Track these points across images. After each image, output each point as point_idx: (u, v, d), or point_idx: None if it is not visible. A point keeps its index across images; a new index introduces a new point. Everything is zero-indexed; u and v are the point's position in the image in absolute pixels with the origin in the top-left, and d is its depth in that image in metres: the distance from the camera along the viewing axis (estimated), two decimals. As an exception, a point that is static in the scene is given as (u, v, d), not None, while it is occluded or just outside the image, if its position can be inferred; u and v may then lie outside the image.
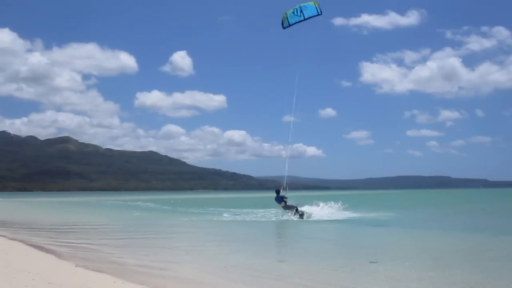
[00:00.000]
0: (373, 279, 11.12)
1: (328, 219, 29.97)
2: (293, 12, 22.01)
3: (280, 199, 32.14)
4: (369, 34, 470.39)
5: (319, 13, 22.27)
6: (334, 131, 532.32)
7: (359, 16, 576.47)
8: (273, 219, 31.14)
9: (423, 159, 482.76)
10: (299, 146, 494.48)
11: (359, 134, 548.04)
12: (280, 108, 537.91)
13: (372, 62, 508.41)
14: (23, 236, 20.69)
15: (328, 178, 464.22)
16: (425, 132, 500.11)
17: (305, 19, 22.38)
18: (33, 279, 10.34)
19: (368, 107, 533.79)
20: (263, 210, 38.61)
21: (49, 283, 10.11)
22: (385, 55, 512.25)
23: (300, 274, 11.79)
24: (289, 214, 30.80)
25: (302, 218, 29.99)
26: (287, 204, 31.83)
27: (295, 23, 22.24)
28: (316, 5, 22.68)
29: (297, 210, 31.01)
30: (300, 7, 22.19)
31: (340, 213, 33.57)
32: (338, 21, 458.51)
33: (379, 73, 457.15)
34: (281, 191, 32.49)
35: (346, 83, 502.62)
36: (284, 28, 23.08)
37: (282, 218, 30.72)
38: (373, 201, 67.00)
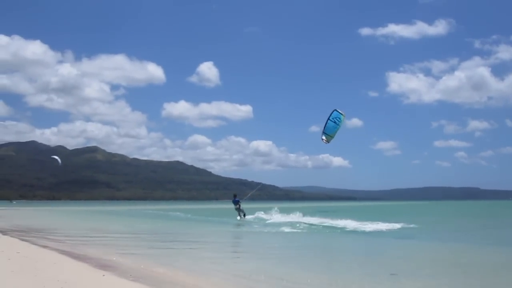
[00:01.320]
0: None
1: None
2: (334, 123, 22.11)
3: (236, 202, 43.55)
4: (396, 44, 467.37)
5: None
6: (361, 141, 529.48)
7: (386, 26, 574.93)
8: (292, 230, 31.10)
9: (451, 170, 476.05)
10: (325, 157, 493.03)
11: (386, 145, 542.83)
12: (306, 118, 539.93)
13: (399, 72, 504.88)
14: (51, 243, 21.09)
15: (354, 189, 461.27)
16: (453, 143, 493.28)
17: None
18: (62, 287, 10.60)
19: (395, 118, 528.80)
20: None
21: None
22: (412, 65, 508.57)
23: (322, 285, 11.89)
24: (238, 214, 42.74)
25: (244, 218, 42.18)
26: (240, 207, 43.01)
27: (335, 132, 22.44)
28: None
29: (244, 214, 42.74)
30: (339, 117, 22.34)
31: (360, 223, 33.38)
32: (365, 31, 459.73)
33: (406, 83, 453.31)
34: (237, 196, 45.03)
35: (373, 93, 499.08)
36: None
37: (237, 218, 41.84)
38: (398, 212, 66.32)
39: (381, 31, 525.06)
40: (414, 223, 34.06)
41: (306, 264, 16.10)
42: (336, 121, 21.13)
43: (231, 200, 44.61)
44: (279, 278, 12.68)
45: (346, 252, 20.26)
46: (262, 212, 45.71)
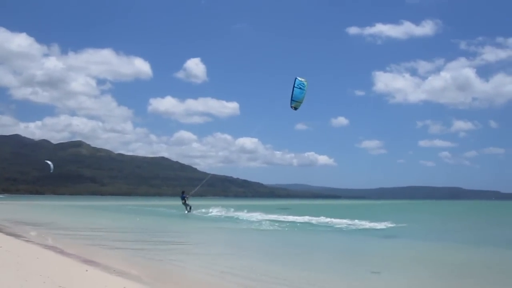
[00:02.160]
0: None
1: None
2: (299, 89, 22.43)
3: (182, 197, 52.79)
4: (383, 43, 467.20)
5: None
6: (346, 140, 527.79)
7: (374, 25, 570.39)
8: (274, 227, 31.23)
9: (435, 170, 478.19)
10: (311, 155, 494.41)
11: (371, 144, 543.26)
12: (292, 116, 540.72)
13: (385, 71, 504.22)
14: (34, 237, 20.97)
15: (339, 187, 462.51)
16: (438, 143, 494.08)
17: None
18: (44, 282, 10.44)
19: (380, 117, 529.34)
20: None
21: (60, 286, 10.28)
22: (399, 64, 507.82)
23: (304, 282, 11.95)
24: (186, 208, 50.52)
25: (190, 211, 49.52)
26: (186, 202, 51.56)
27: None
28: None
29: (190, 208, 50.69)
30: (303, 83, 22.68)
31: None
32: (353, 30, 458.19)
33: (392, 82, 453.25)
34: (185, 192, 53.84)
35: (359, 92, 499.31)
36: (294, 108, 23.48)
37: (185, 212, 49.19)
38: (383, 211, 66.65)
39: (369, 30, 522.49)
40: (398, 222, 34.28)
41: (289, 261, 16.17)
42: (301, 87, 21.46)
43: (180, 196, 53.91)
44: (262, 275, 12.74)
45: (328, 250, 20.38)
46: (203, 210, 51.58)
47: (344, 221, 35.90)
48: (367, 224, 33.07)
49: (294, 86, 22.63)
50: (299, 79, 23.66)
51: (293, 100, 21.85)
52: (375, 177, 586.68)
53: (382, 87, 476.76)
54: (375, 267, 14.36)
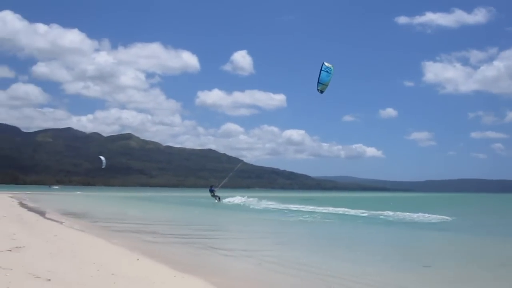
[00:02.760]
0: (426, 283, 11.08)
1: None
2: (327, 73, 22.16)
3: (211, 190, 59.71)
4: (433, 32, 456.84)
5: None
6: (395, 131, 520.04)
7: (424, 14, 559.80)
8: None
9: (487, 162, 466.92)
10: (359, 147, 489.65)
11: (420, 135, 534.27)
12: (340, 108, 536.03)
13: (435, 61, 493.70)
14: (87, 226, 21.52)
15: (387, 180, 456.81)
16: (490, 134, 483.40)
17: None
18: (98, 270, 10.75)
19: (430, 108, 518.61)
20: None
21: (113, 274, 10.56)
22: (449, 54, 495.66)
23: (355, 275, 11.86)
24: (215, 199, 56.24)
25: (220, 200, 56.34)
26: (214, 194, 58.17)
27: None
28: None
29: (219, 198, 56.99)
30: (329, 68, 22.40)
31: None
32: (402, 19, 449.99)
33: (443, 72, 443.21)
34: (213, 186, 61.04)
35: (408, 83, 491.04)
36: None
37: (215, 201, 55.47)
38: (433, 204, 65.48)
39: (418, 19, 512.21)
40: (449, 215, 33.60)
41: (337, 254, 16.05)
42: (328, 71, 21.19)
43: (208, 189, 62.11)
44: (310, 267, 12.73)
45: (377, 243, 20.11)
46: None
47: (393, 213, 35.50)
48: (416, 217, 32.58)
49: (321, 70, 22.44)
50: (326, 64, 23.48)
51: (320, 83, 21.68)
52: (424, 169, 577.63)
53: (432, 77, 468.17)
54: (426, 260, 14.14)
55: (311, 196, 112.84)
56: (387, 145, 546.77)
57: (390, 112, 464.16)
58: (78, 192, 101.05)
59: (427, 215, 33.06)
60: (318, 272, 12.16)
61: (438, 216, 32.30)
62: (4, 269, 8.79)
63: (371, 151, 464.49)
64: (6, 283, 7.69)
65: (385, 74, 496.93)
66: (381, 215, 35.02)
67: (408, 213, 35.08)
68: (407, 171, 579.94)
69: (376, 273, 12.22)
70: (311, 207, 44.16)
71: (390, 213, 36.05)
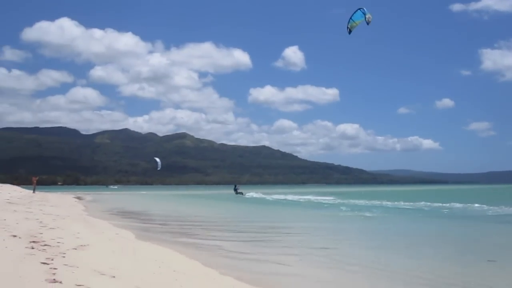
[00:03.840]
0: (490, 278, 10.74)
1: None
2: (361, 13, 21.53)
3: (235, 189, 78.14)
4: (490, 19, 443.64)
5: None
6: (452, 122, 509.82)
7: (479, 0, 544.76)
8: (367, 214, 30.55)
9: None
10: (414, 139, 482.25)
11: (479, 126, 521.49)
12: (394, 100, 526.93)
13: (493, 48, 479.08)
14: (147, 225, 21.95)
15: (445, 172, 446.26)
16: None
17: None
18: (159, 267, 10.99)
19: (489, 97, 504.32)
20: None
21: (174, 271, 10.75)
22: (508, 40, 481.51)
23: (419, 269, 11.63)
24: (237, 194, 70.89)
25: (243, 195, 71.50)
26: (238, 191, 75.71)
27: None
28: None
29: (241, 193, 73.64)
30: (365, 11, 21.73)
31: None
32: (457, 7, 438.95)
33: (502, 60, 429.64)
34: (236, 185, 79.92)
35: (465, 72, 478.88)
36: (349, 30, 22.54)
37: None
38: (493, 196, 63.39)
39: (474, 6, 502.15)
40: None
41: (397, 249, 15.76)
42: (364, 12, 20.53)
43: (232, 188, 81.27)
44: (372, 262, 12.56)
45: (439, 236, 19.60)
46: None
47: (453, 205, 34.65)
48: (478, 209, 31.68)
49: (358, 9, 21.76)
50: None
51: (351, 19, 21.03)
52: (484, 160, 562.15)
53: (490, 65, 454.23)
54: (491, 255, 13.68)
55: (366, 190, 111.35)
56: (444, 137, 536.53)
57: (447, 102, 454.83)
58: (143, 192, 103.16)
59: (488, 207, 32.07)
60: (380, 268, 11.99)
61: (502, 208, 31.27)
62: (71, 266, 9.05)
63: (427, 143, 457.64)
64: (73, 280, 7.90)
65: (441, 63, 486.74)
66: (442, 208, 34.24)
67: (469, 205, 34.17)
68: (466, 162, 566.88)
69: (437, 268, 11.93)
70: (363, 201, 43.50)
71: (456, 205, 35.26)
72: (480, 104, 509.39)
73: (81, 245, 12.33)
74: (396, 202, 41.21)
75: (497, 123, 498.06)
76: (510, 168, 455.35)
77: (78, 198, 56.75)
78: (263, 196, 67.46)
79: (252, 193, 76.79)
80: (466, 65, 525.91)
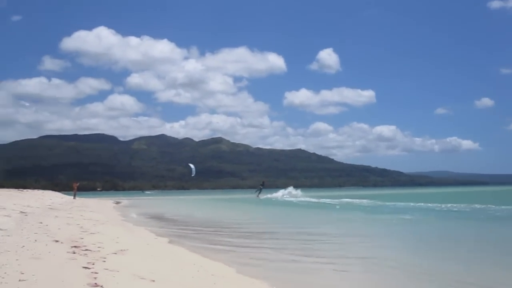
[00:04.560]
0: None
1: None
2: None
3: (258, 189, 76.98)
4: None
5: None
6: (492, 122, 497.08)
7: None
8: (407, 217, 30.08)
9: None
10: (453, 140, 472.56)
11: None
12: (431, 100, 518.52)
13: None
14: (187, 232, 22.13)
15: (485, 173, 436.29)
16: None
17: None
18: (198, 271, 11.16)
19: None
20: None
21: (212, 275, 10.86)
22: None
23: (461, 273, 11.45)
24: (257, 195, 71.15)
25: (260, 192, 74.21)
26: (259, 193, 74.23)
27: None
28: None
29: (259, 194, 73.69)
30: None
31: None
32: (495, 4, 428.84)
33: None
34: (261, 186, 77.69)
35: (505, 70, 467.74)
36: None
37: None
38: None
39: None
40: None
41: (439, 253, 15.52)
42: None
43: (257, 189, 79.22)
44: (412, 266, 12.41)
45: (481, 240, 19.19)
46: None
47: (493, 207, 33.89)
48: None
49: None
50: None
51: None
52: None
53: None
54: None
55: (403, 192, 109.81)
56: (484, 137, 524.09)
57: (486, 102, 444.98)
58: (180, 197, 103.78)
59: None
60: (421, 271, 11.84)
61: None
62: (111, 271, 9.22)
63: (467, 143, 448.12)
64: (114, 284, 8.05)
65: (479, 62, 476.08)
66: (482, 210, 33.54)
67: (509, 207, 33.39)
68: (506, 163, 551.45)
69: (478, 272, 11.72)
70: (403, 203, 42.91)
71: (496, 207, 34.52)
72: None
73: (121, 250, 12.54)
74: (435, 204, 40.48)
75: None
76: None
77: (117, 203, 57.62)
78: (300, 198, 66.55)
79: (289, 190, 79.27)
80: (506, 63, 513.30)
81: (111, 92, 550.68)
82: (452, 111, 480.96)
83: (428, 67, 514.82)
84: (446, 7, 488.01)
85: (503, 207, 34.83)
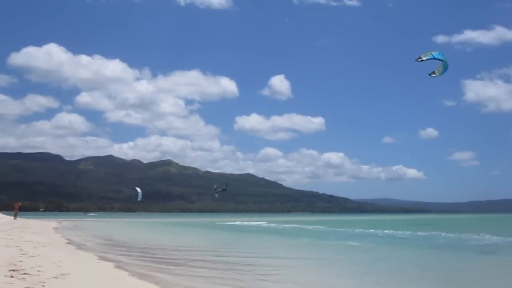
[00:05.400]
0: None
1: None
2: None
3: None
4: (473, 50, 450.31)
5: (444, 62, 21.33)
6: (436, 152, 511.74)
7: (462, 32, 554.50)
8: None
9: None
10: (399, 168, 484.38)
11: (463, 155, 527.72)
12: (379, 129, 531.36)
13: (475, 79, 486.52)
14: (128, 259, 21.62)
15: (429, 201, 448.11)
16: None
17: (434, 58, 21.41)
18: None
19: (472, 127, 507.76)
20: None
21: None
22: (490, 72, 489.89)
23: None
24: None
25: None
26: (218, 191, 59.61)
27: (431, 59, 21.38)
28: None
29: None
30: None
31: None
32: (440, 38, 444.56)
33: (484, 91, 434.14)
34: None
35: (448, 102, 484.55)
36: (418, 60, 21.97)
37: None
38: (477, 225, 63.58)
39: (457, 37, 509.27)
40: (499, 236, 32.58)
41: (382, 280, 15.66)
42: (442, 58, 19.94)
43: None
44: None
45: (426, 268, 19.52)
46: None
47: (436, 234, 34.71)
48: (464, 239, 31.73)
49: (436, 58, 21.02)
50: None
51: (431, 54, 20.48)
52: (468, 190, 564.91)
53: (473, 96, 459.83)
54: (468, 283, 13.68)
55: (350, 219, 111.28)
56: (428, 166, 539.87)
57: (431, 132, 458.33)
58: (126, 219, 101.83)
59: (470, 236, 32.17)
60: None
61: (486, 238, 31.37)
62: (50, 296, 8.85)
63: (412, 172, 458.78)
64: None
65: (425, 94, 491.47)
66: (425, 237, 34.27)
67: (451, 234, 34.27)
68: (449, 192, 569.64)
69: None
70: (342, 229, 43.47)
71: (439, 234, 35.39)
72: (463, 134, 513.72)
73: (62, 274, 12.11)
74: (381, 231, 41.17)
75: (480, 153, 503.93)
76: (493, 197, 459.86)
77: (60, 225, 55.99)
78: (247, 223, 65.37)
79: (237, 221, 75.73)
80: (450, 95, 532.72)
81: (59, 110, 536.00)
82: (399, 140, 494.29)
83: (377, 97, 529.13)
84: (395, 40, 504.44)
85: (443, 234, 35.74)
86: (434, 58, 19.16)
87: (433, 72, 19.74)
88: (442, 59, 19.16)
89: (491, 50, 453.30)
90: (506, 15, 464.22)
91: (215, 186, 59.91)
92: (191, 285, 13.35)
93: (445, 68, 19.58)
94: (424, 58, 19.10)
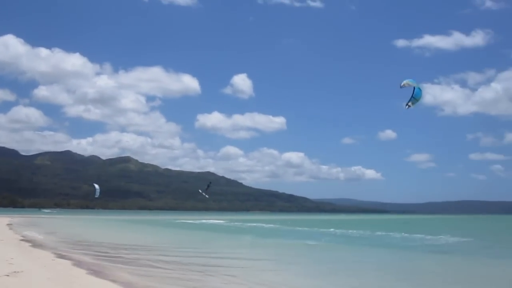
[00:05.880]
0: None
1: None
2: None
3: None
4: (432, 55, 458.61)
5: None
6: (394, 153, 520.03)
7: (422, 37, 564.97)
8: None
9: (487, 184, 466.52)
10: (358, 169, 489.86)
11: (419, 157, 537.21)
12: (339, 130, 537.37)
13: (433, 83, 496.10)
14: (85, 255, 21.24)
15: (386, 202, 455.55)
16: (489, 156, 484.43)
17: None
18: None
19: (429, 130, 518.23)
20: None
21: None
22: (448, 76, 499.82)
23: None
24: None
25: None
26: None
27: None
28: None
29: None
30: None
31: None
32: (400, 42, 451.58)
33: (441, 95, 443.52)
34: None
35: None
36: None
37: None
38: (432, 226, 65.05)
39: (417, 42, 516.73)
40: (454, 237, 33.31)
41: (336, 278, 15.78)
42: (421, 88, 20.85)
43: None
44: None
45: (381, 267, 19.76)
46: None
47: (394, 235, 35.26)
48: (420, 239, 32.32)
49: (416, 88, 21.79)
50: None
51: (414, 98, 21.35)
52: (424, 191, 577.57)
53: (431, 99, 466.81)
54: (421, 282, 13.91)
55: (308, 218, 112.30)
56: (386, 167, 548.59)
57: (389, 134, 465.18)
58: (84, 216, 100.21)
59: (430, 237, 32.81)
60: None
61: (443, 238, 32.03)
62: (1, 295, 8.57)
63: (370, 173, 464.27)
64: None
65: (384, 96, 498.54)
66: (382, 237, 34.79)
67: (407, 234, 34.86)
68: (406, 193, 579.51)
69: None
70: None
71: (395, 234, 35.94)
72: (420, 136, 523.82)
73: (14, 272, 11.78)
74: (339, 230, 41.63)
75: (436, 155, 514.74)
76: (448, 199, 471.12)
77: (13, 221, 54.62)
78: (205, 221, 65.14)
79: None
80: (408, 99, 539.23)
81: (15, 103, 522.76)
82: (358, 141, 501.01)
83: (337, 98, 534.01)
84: (357, 43, 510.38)
85: (401, 234, 36.35)
86: (413, 93, 20.18)
87: (408, 105, 20.69)
88: (419, 97, 20.05)
89: (449, 55, 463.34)
90: (464, 21, 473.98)
91: (200, 191, 60.08)
92: (149, 284, 13.15)
93: (419, 101, 20.59)
94: (406, 85, 20.03)
